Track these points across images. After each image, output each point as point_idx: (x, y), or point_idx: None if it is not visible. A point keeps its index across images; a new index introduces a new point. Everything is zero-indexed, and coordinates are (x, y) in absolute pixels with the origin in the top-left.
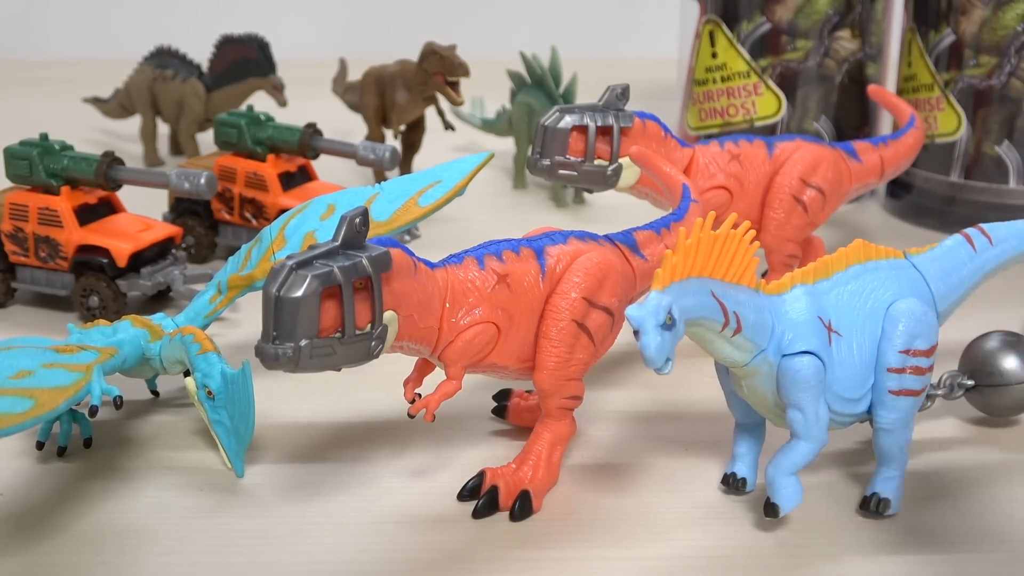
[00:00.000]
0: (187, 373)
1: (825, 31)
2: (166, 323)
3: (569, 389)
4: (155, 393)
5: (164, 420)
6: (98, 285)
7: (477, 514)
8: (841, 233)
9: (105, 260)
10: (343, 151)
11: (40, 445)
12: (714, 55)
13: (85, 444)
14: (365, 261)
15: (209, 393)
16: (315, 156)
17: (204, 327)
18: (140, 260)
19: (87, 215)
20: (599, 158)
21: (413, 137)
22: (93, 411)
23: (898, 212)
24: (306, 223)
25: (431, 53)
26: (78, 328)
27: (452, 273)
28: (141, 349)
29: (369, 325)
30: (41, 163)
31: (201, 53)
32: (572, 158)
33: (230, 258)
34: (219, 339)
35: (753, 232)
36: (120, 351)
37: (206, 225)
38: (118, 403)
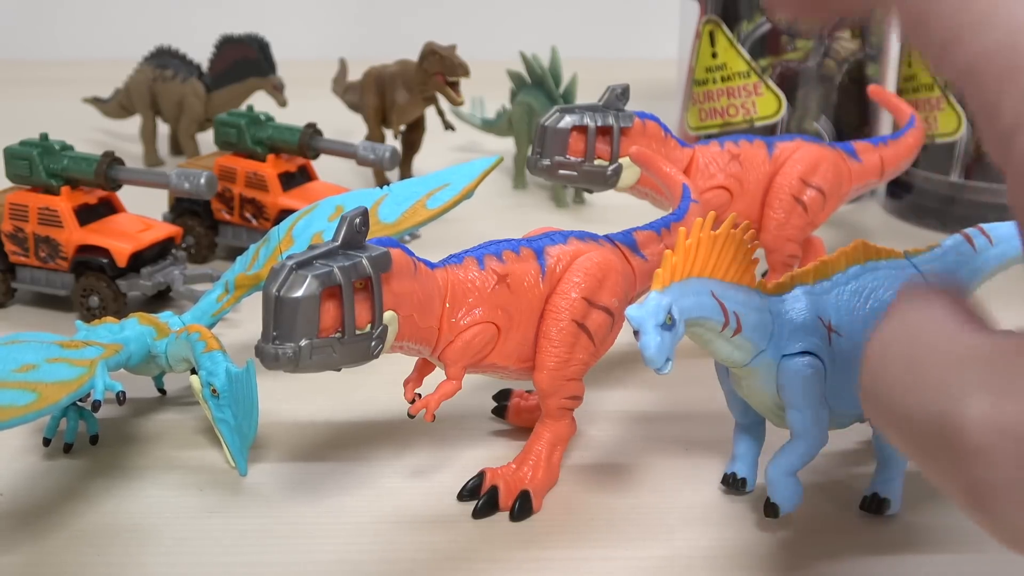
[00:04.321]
0: (193, 371)
1: (825, 31)
2: (173, 321)
3: (569, 389)
4: (162, 391)
5: (169, 418)
6: (98, 285)
7: (477, 514)
8: (841, 233)
9: (105, 260)
10: (343, 151)
11: (47, 442)
12: (714, 55)
13: (91, 441)
14: (365, 261)
15: (214, 391)
16: (315, 156)
17: (211, 326)
18: (140, 260)
19: (87, 215)
20: (599, 158)
21: (413, 137)
22: (96, 406)
23: (898, 212)
24: (314, 224)
25: (431, 53)
26: (85, 325)
27: (452, 273)
28: (147, 346)
29: (369, 325)
30: (41, 163)
31: (201, 53)
32: (572, 158)
33: (238, 258)
34: (222, 339)
35: (753, 232)
36: (126, 348)
37: (206, 225)
38: (120, 398)
